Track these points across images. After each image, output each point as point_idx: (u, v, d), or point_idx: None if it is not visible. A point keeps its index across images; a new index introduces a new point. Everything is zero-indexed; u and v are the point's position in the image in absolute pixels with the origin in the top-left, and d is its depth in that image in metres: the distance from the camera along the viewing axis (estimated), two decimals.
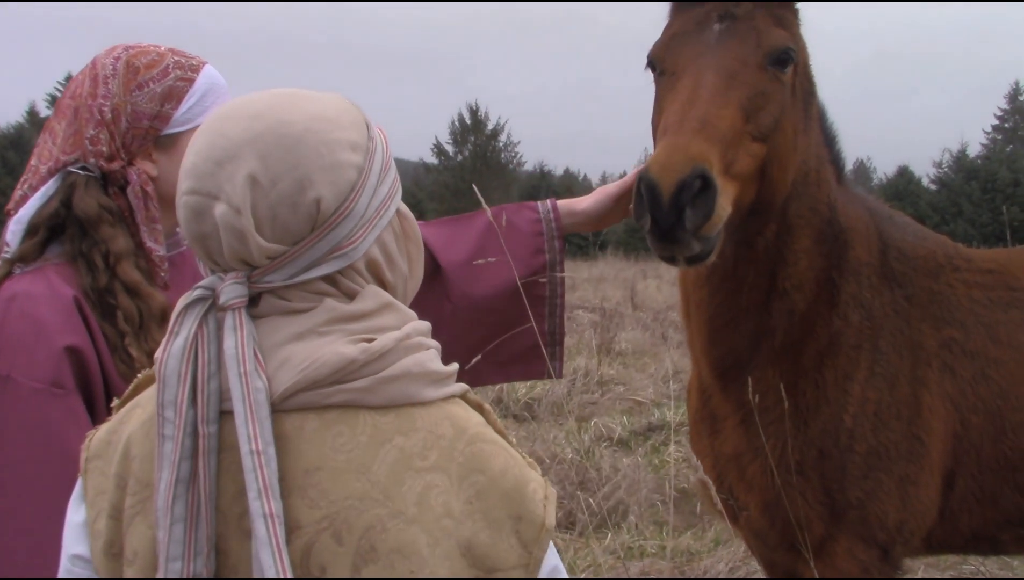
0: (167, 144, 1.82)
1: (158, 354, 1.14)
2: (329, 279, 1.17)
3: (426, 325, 1.22)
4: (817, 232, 2.47)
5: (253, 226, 1.11)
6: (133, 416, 1.20)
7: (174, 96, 1.81)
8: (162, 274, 1.82)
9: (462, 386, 1.21)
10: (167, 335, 1.13)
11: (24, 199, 1.78)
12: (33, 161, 1.82)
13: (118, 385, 1.66)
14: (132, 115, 1.78)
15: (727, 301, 2.47)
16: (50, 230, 1.75)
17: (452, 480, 1.10)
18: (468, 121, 57.93)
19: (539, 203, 2.21)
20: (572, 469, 6.00)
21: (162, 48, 1.85)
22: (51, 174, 1.78)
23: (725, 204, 2.02)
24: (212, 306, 1.13)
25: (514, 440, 1.21)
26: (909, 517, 2.44)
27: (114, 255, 1.72)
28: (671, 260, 2.07)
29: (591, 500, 5.49)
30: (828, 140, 2.62)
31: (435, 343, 1.22)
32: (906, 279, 2.58)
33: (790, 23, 2.31)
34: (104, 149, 1.78)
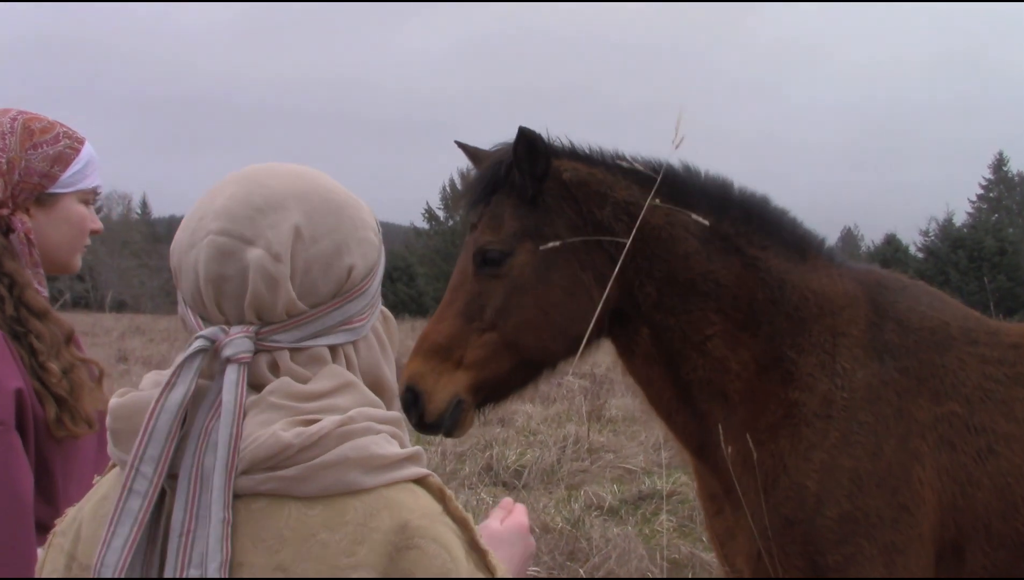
0: (49, 202, 2.00)
1: (118, 400, 1.10)
2: (332, 350, 1.16)
3: (391, 415, 1.15)
4: (740, 321, 2.58)
5: (289, 275, 1.09)
6: (96, 495, 1.17)
7: (62, 160, 1.99)
8: None
9: (418, 471, 1.11)
10: (164, 386, 1.06)
11: None
12: None
13: (37, 411, 1.80)
14: (25, 170, 1.95)
15: (652, 396, 2.72)
16: None
17: (380, 576, 1.01)
18: (459, 187, 58.42)
19: None
20: (562, 539, 5.91)
21: (51, 118, 2.04)
22: None
23: (444, 396, 2.51)
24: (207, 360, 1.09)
25: (478, 532, 1.11)
26: None
27: (18, 286, 1.87)
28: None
29: (581, 571, 5.41)
30: (771, 227, 2.68)
31: (390, 428, 1.12)
32: (903, 351, 2.56)
33: (505, 219, 2.57)
34: None
